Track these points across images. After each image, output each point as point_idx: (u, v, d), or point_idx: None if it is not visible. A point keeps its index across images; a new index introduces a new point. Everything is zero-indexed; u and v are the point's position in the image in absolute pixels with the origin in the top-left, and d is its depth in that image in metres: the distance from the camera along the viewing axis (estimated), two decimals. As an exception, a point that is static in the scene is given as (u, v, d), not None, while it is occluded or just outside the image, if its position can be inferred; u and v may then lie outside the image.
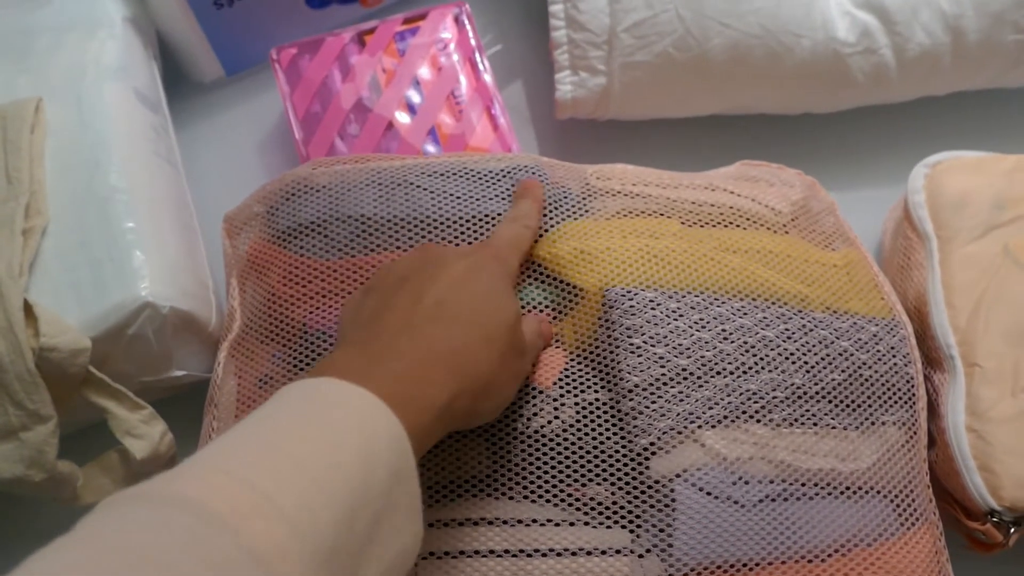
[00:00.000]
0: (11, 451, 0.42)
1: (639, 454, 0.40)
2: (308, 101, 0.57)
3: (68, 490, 0.45)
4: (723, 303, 0.44)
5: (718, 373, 0.42)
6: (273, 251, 0.46)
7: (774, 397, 0.42)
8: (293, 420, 0.31)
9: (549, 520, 0.39)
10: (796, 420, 0.42)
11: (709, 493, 0.40)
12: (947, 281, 0.49)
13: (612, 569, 0.38)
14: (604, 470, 0.40)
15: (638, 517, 0.39)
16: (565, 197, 0.47)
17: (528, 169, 0.48)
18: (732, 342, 0.43)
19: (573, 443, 0.40)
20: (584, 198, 0.48)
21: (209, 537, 0.25)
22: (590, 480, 0.40)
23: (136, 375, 0.47)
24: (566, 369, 0.42)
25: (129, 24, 0.56)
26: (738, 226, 0.48)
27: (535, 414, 0.41)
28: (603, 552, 0.39)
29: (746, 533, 0.40)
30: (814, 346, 0.44)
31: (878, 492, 0.42)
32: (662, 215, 0.48)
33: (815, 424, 0.43)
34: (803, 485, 0.41)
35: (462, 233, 0.46)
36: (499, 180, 0.47)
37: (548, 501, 0.40)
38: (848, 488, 0.42)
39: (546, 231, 0.46)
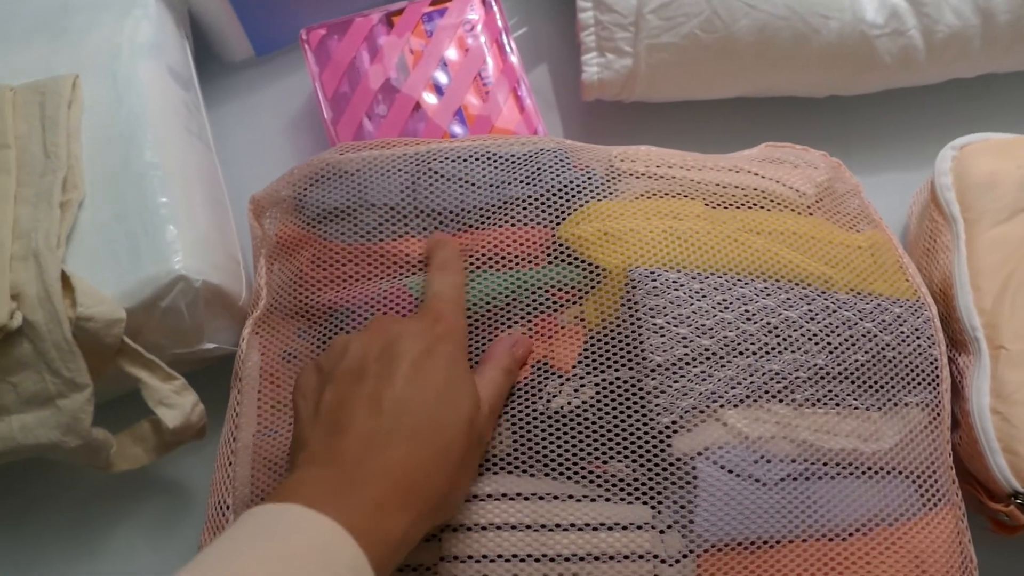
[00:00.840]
0: (48, 417, 0.43)
1: (661, 432, 0.40)
2: (337, 81, 0.58)
3: (102, 457, 0.46)
4: (746, 284, 0.44)
5: (741, 353, 0.42)
6: (302, 234, 0.47)
7: (797, 377, 0.42)
8: (259, 552, 0.31)
9: (571, 496, 0.40)
10: (819, 400, 0.43)
11: (731, 471, 0.40)
12: (973, 263, 0.49)
13: (633, 544, 0.39)
14: (626, 447, 0.40)
15: (659, 493, 0.40)
16: (589, 178, 0.47)
17: (551, 152, 0.48)
18: (755, 323, 0.43)
19: (595, 420, 0.41)
20: (608, 180, 0.48)
21: None
22: (611, 457, 0.40)
23: (168, 347, 0.48)
24: (588, 348, 0.43)
25: (162, 3, 0.56)
26: (762, 207, 0.48)
27: (555, 395, 0.41)
28: (624, 527, 0.39)
29: (767, 511, 0.40)
30: (837, 327, 0.44)
31: (900, 472, 0.42)
32: (686, 197, 0.48)
33: (837, 404, 0.43)
34: (825, 464, 0.41)
35: (483, 223, 0.46)
36: (523, 164, 0.48)
37: (569, 478, 0.40)
38: (870, 468, 0.42)
39: (570, 213, 0.46)
